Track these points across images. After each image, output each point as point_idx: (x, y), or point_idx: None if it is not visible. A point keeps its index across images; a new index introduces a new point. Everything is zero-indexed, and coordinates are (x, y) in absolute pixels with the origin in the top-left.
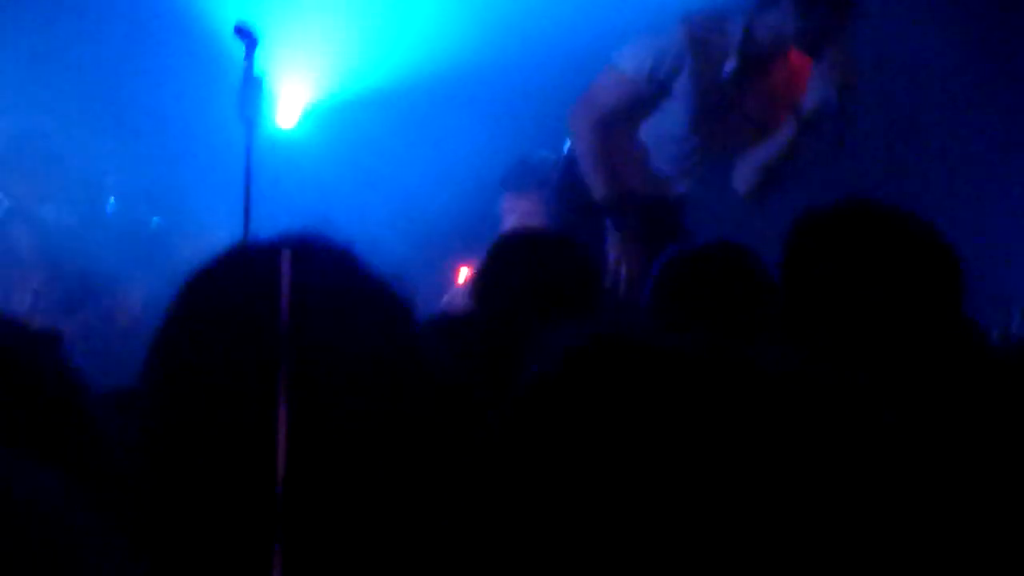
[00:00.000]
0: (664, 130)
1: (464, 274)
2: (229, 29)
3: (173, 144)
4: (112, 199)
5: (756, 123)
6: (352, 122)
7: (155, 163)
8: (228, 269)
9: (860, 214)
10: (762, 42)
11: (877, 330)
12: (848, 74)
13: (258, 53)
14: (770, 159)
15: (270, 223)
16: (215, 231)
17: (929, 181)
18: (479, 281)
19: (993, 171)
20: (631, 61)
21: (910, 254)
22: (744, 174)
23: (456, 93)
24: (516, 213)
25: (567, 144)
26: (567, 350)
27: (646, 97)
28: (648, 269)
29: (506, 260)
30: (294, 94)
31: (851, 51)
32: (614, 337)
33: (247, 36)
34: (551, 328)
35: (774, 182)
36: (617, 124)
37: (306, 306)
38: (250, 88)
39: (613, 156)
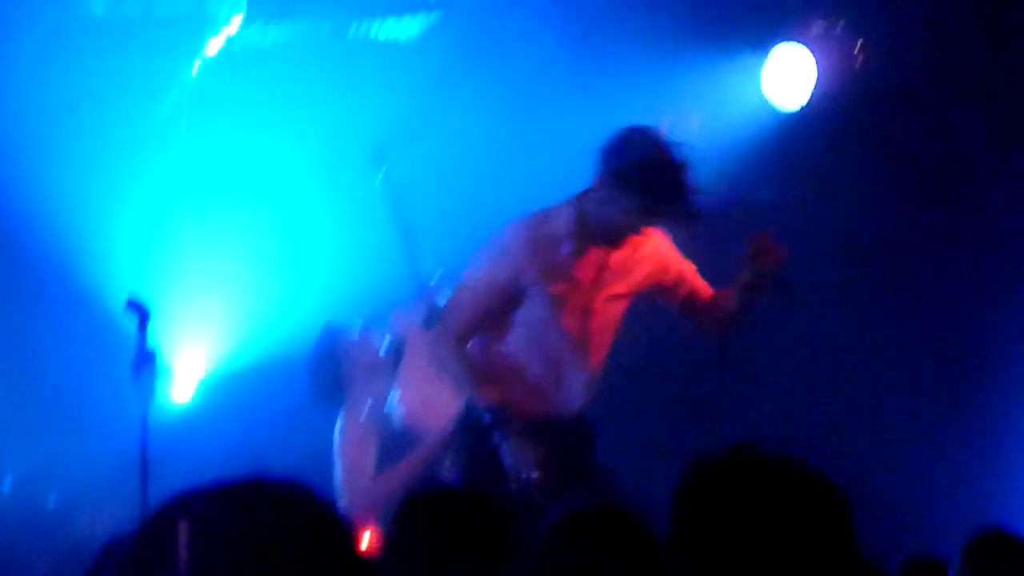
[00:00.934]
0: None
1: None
2: (121, 302)
3: (68, 419)
4: (7, 476)
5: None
6: (246, 390)
7: (50, 438)
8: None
9: (748, 461)
10: (593, 226)
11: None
12: (772, 263)
13: (151, 326)
14: None
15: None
16: (113, 507)
17: None
18: (390, 542)
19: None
20: (485, 279)
21: (797, 500)
22: None
23: None
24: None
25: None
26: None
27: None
28: None
29: (413, 523)
30: (189, 366)
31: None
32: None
33: (139, 309)
34: None
35: None
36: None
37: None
38: (144, 361)
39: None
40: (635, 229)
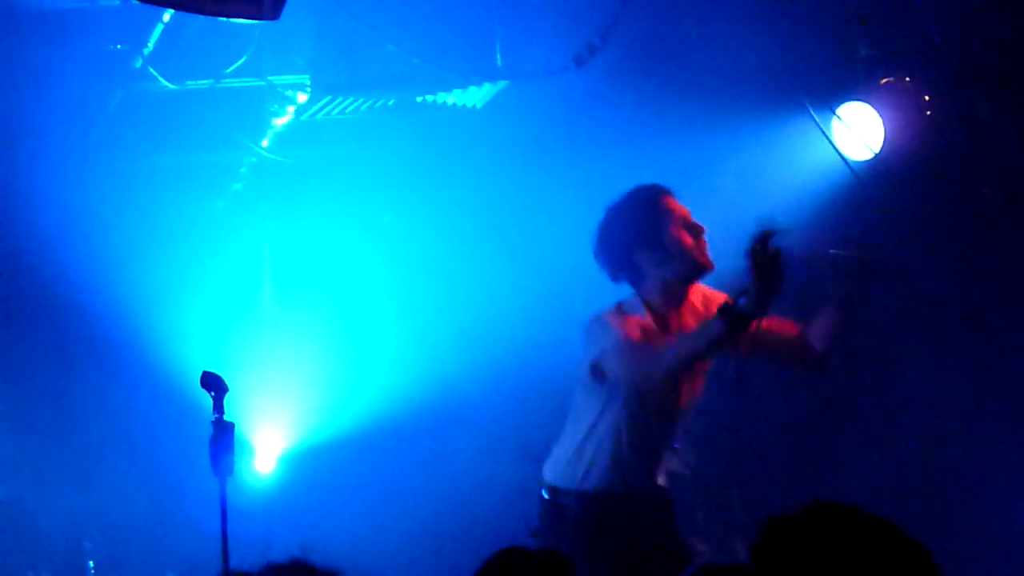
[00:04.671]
0: None
1: None
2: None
3: (148, 502)
4: (91, 563)
5: None
6: (328, 464)
7: (133, 526)
8: None
9: (822, 516)
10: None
11: None
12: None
13: (227, 401)
14: None
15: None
16: None
17: None
18: None
19: None
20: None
21: (870, 552)
22: None
23: (439, 424)
24: None
25: None
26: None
27: None
28: None
29: None
30: (270, 440)
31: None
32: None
33: (215, 385)
34: None
35: None
36: None
37: None
38: (221, 436)
39: None
40: (692, 263)
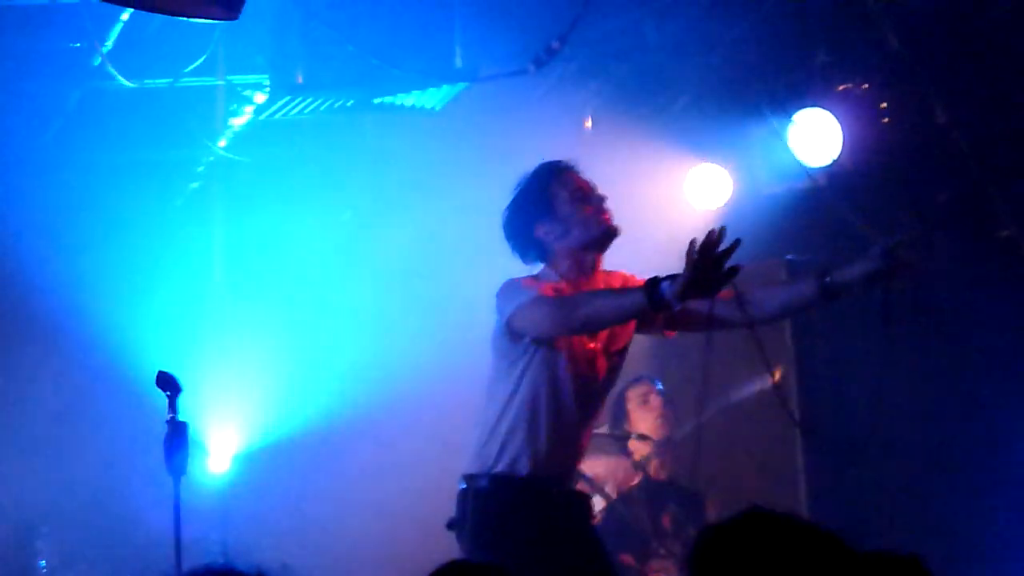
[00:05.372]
0: None
1: None
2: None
3: (101, 501)
4: (43, 563)
5: None
6: (282, 464)
7: (85, 525)
8: None
9: (757, 524)
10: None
11: None
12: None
13: (181, 400)
14: None
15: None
16: None
17: None
18: None
19: None
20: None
21: (808, 562)
22: None
23: (394, 425)
24: None
25: None
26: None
27: None
28: None
29: None
30: (224, 439)
31: None
32: None
33: (170, 384)
34: None
35: None
36: None
37: None
38: (175, 435)
39: None
40: (593, 228)
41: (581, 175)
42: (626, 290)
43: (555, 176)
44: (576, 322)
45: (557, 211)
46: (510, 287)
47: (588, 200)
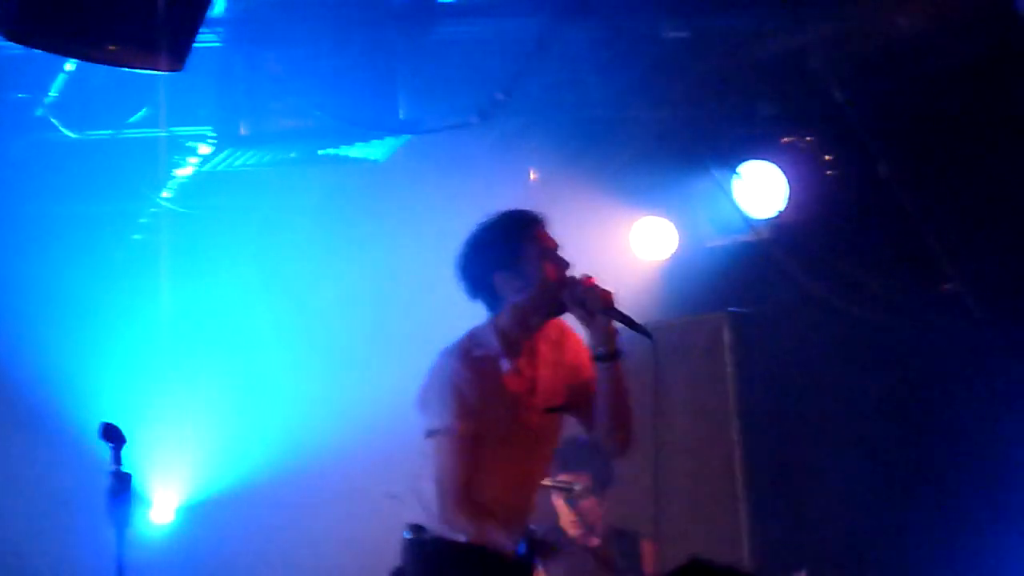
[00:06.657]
0: None
1: None
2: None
3: (44, 553)
4: None
5: None
6: (225, 515)
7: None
8: None
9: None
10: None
11: None
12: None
13: (125, 452)
14: None
15: None
16: None
17: None
18: None
19: None
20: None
21: None
22: None
23: (334, 479)
24: None
25: None
26: None
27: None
28: None
29: None
30: (167, 491)
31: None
32: None
33: (113, 436)
34: None
35: None
36: None
37: None
38: (119, 487)
39: None
40: (550, 296)
41: (549, 232)
42: (502, 540)
43: (525, 229)
44: (448, 523)
45: (521, 266)
46: (435, 390)
47: (555, 263)
